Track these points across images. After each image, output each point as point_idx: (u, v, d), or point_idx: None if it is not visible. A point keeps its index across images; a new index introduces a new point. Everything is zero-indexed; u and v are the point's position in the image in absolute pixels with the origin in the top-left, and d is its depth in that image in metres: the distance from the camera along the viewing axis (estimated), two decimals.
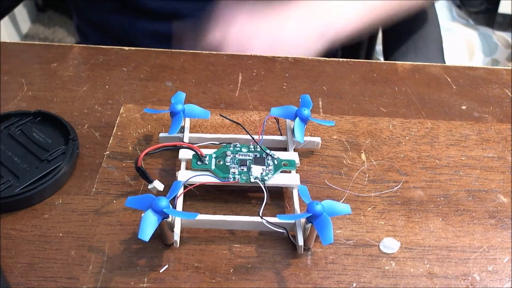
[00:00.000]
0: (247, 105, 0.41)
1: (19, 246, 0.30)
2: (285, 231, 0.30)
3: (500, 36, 1.10)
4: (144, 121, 0.39)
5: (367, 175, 0.36)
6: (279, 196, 0.34)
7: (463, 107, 0.42)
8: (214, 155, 0.34)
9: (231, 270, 0.30)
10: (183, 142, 0.35)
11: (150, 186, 0.32)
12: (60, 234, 0.31)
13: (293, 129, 0.35)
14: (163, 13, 0.56)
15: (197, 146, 0.33)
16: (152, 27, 0.56)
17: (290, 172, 0.34)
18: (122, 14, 0.57)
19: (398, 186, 0.35)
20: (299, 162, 0.34)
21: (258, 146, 0.34)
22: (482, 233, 0.32)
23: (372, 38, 0.79)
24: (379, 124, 0.40)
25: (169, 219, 0.29)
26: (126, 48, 0.47)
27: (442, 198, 0.35)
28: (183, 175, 0.32)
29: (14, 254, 0.30)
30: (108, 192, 0.34)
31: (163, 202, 0.28)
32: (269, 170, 0.33)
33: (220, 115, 0.39)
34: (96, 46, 0.47)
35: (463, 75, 0.46)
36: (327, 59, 0.47)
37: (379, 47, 0.79)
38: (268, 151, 0.34)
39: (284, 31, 0.51)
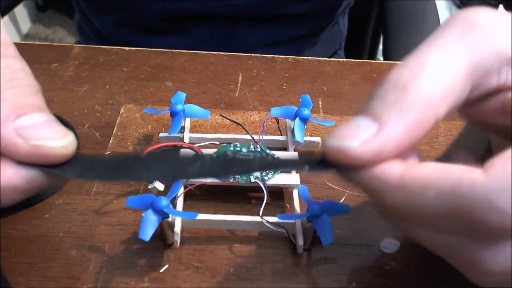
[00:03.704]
0: (247, 105, 0.41)
1: (19, 246, 0.30)
2: (285, 231, 0.31)
3: None
4: (144, 121, 0.39)
5: None
6: (279, 196, 0.34)
7: None
8: (214, 155, 0.34)
9: (231, 270, 0.30)
10: (183, 142, 0.35)
11: (150, 186, 0.32)
12: (61, 234, 0.31)
13: (293, 129, 0.35)
14: (167, 30, 0.56)
15: (197, 146, 0.33)
16: (154, 43, 0.56)
17: (290, 172, 0.34)
18: (125, 28, 0.57)
19: None
20: None
21: (258, 146, 0.34)
22: None
23: (375, 38, 0.79)
24: None
25: (169, 219, 0.29)
26: (126, 48, 0.47)
27: None
28: None
29: (14, 254, 0.30)
30: (108, 192, 0.34)
31: (164, 202, 0.28)
32: (269, 170, 0.33)
33: (220, 115, 0.39)
34: (96, 46, 0.47)
35: None
36: (327, 59, 0.47)
37: (379, 46, 0.79)
38: (268, 151, 0.34)
39: None
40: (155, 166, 0.22)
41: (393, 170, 0.19)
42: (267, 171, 0.33)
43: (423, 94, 0.19)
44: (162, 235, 0.30)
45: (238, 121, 0.39)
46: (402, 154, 0.20)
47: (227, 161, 0.23)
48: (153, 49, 0.47)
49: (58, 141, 0.21)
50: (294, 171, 0.34)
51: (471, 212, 0.18)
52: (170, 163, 0.23)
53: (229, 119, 0.38)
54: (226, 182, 0.32)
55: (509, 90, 0.21)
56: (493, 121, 0.23)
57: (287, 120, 0.37)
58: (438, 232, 0.20)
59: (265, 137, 0.36)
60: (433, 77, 0.19)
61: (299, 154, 0.34)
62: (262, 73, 0.45)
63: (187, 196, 0.33)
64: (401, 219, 0.21)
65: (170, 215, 0.29)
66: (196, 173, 0.23)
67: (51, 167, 0.21)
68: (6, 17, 1.48)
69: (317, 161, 0.21)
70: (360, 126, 0.20)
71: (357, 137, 0.19)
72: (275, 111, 0.36)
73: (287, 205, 0.34)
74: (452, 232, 0.20)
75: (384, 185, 0.19)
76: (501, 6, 0.45)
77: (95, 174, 0.23)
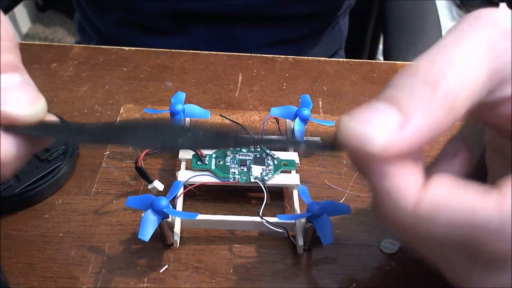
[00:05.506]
0: (247, 105, 0.41)
1: (19, 246, 0.30)
2: (285, 231, 0.30)
3: None
4: None
5: None
6: (279, 196, 0.34)
7: None
8: (214, 155, 0.34)
9: (231, 270, 0.30)
10: None
11: (150, 186, 0.32)
12: (60, 234, 0.31)
13: (293, 129, 0.35)
14: (167, 30, 0.56)
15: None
16: (155, 42, 0.56)
17: (290, 172, 0.34)
18: (125, 27, 0.57)
19: None
20: (299, 162, 0.34)
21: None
22: None
23: (375, 38, 0.79)
24: None
25: (169, 219, 0.29)
26: (126, 48, 0.47)
27: None
28: (183, 175, 0.32)
29: (14, 254, 0.30)
30: (108, 192, 0.34)
31: (163, 202, 0.28)
32: (269, 170, 0.33)
33: (220, 115, 0.39)
34: (96, 46, 0.47)
35: None
36: (327, 59, 0.47)
37: (379, 46, 0.79)
38: (268, 151, 0.34)
39: None
40: (144, 133, 0.22)
41: (409, 193, 0.19)
42: (267, 171, 0.33)
43: (451, 97, 0.19)
44: (162, 235, 0.30)
45: (238, 121, 0.39)
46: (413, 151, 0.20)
47: (220, 135, 0.23)
48: (153, 49, 0.47)
49: (28, 108, 0.20)
50: (294, 171, 0.34)
51: (481, 243, 0.18)
52: (160, 131, 0.23)
53: (229, 119, 0.38)
54: (226, 182, 0.32)
55: None
56: (497, 124, 0.23)
57: (287, 120, 0.37)
58: (439, 249, 0.20)
59: (265, 137, 0.36)
60: (461, 79, 0.19)
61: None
62: (262, 73, 0.45)
63: (187, 196, 0.33)
64: (402, 235, 0.21)
65: (170, 215, 0.29)
66: (186, 144, 0.23)
67: (36, 129, 0.21)
68: (6, 17, 1.48)
69: (324, 142, 0.21)
70: (383, 112, 0.19)
71: (380, 124, 0.18)
72: (275, 111, 0.36)
73: (287, 205, 0.34)
74: (455, 253, 0.20)
75: (396, 207, 0.19)
76: (503, 5, 0.45)
77: (83, 138, 0.23)
